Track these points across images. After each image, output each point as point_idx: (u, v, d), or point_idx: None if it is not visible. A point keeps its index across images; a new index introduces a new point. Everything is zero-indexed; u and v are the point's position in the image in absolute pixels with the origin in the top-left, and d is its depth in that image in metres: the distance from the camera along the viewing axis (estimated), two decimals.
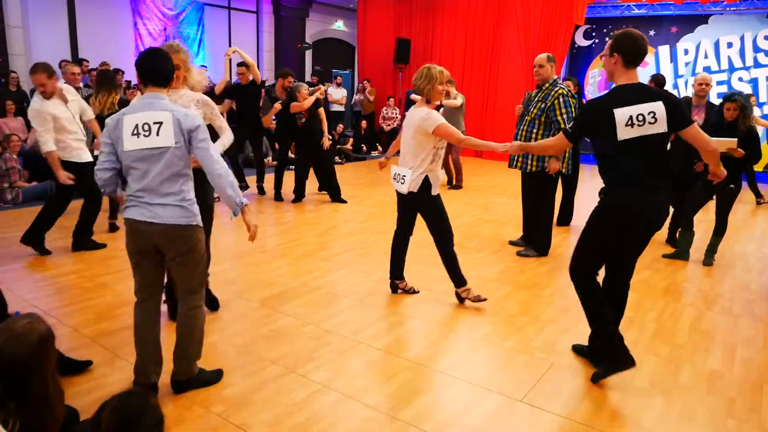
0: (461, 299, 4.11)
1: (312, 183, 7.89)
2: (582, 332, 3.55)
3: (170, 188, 2.64)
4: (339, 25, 16.46)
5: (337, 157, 11.11)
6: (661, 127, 2.78)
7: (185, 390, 2.84)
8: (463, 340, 3.56)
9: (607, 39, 13.31)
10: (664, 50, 12.33)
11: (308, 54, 15.25)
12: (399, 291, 4.30)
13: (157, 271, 2.80)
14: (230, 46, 13.79)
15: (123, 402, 1.51)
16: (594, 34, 13.10)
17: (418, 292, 4.30)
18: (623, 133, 2.76)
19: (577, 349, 3.39)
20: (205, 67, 12.28)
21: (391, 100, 13.21)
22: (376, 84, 13.92)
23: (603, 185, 3.03)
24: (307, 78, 14.20)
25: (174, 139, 2.60)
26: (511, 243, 5.75)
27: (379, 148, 13.15)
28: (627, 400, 2.90)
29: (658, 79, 6.64)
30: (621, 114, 2.74)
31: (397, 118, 13.43)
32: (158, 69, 2.70)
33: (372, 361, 3.22)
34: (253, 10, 14.37)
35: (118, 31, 11.41)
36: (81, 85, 6.13)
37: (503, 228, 6.41)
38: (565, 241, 5.95)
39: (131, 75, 10.50)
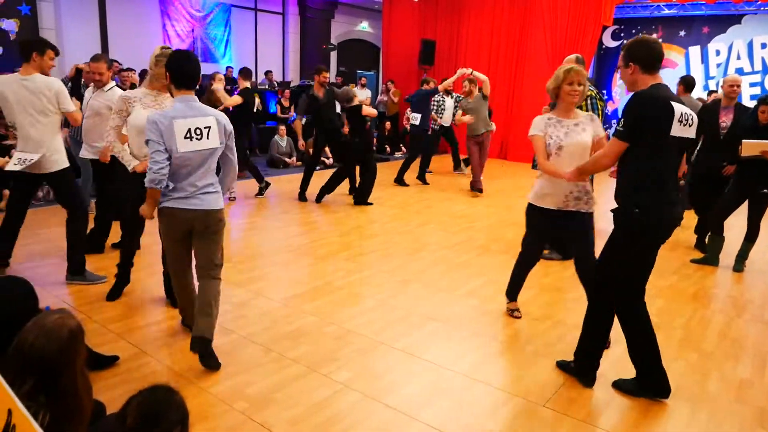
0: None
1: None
2: None
3: (209, 179, 3.06)
4: (364, 26, 16.49)
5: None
6: (693, 133, 2.73)
7: (207, 350, 3.03)
8: (486, 342, 3.54)
9: None
10: (695, 51, 12.09)
11: (333, 55, 15.32)
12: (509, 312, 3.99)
13: (188, 250, 3.23)
14: (256, 47, 13.97)
15: (149, 397, 1.52)
16: (622, 35, 12.89)
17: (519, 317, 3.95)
18: (675, 129, 2.63)
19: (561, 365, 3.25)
20: (231, 68, 12.42)
21: None
22: (400, 85, 13.91)
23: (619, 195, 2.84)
24: (332, 79, 14.26)
25: (219, 140, 3.03)
26: None
27: (403, 149, 13.13)
28: (652, 407, 2.84)
29: (688, 81, 6.51)
30: (677, 108, 2.63)
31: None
32: (193, 74, 2.98)
33: (393, 362, 3.22)
34: (279, 12, 14.49)
35: (147, 33, 11.60)
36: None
37: None
38: None
39: None
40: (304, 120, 8.07)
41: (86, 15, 10.67)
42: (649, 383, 2.90)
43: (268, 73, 13.52)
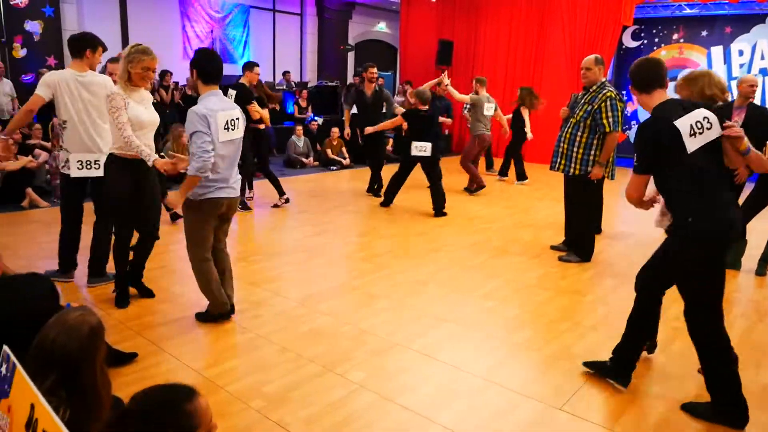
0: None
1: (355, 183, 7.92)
2: None
3: (235, 167, 3.45)
4: (381, 26, 16.52)
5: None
6: (716, 131, 2.66)
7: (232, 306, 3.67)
8: (502, 344, 3.52)
9: (656, 40, 12.92)
10: (717, 51, 11.89)
11: (350, 55, 15.37)
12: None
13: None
14: (274, 47, 14.04)
15: (159, 392, 1.46)
16: (643, 35, 12.74)
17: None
18: (691, 145, 2.58)
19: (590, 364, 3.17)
20: None
21: None
22: (417, 86, 13.84)
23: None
24: (350, 79, 14.30)
25: (242, 130, 3.43)
26: (553, 248, 5.65)
27: None
28: (671, 413, 2.80)
29: None
30: (682, 124, 2.59)
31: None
32: (219, 70, 3.31)
33: (409, 363, 3.22)
34: (297, 12, 14.57)
35: (167, 34, 11.75)
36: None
37: (544, 232, 6.30)
38: (608, 248, 5.81)
39: (179, 76, 10.80)
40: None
41: (108, 16, 10.85)
42: (724, 409, 2.71)
43: (285, 73, 13.59)
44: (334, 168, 10.54)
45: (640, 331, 2.97)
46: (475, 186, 8.57)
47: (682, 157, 2.61)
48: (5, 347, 1.32)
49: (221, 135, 3.21)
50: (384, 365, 3.18)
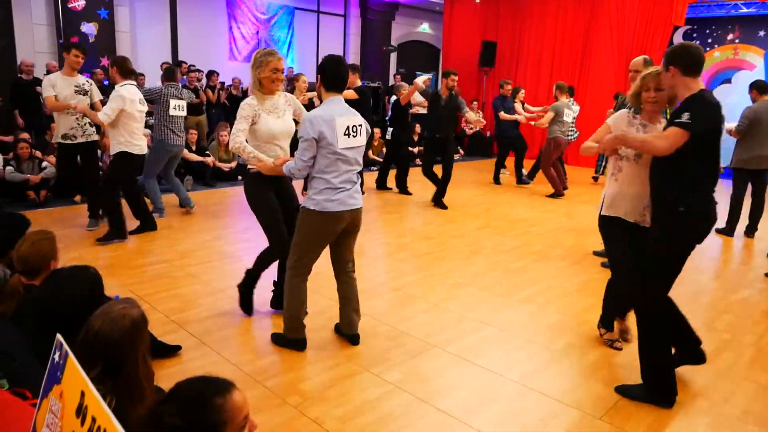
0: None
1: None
2: None
3: (357, 178, 3.23)
4: (424, 27, 16.46)
5: (417, 159, 11.13)
6: None
7: (358, 340, 3.46)
8: (541, 351, 3.46)
9: (709, 41, 12.44)
10: None
11: (393, 56, 15.38)
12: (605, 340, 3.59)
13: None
14: (318, 48, 14.18)
15: (193, 387, 1.45)
16: (695, 35, 12.31)
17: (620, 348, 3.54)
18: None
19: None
20: (291, 68, 12.67)
21: (475, 103, 13.05)
22: (460, 87, 13.56)
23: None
24: (391, 81, 14.32)
25: (365, 139, 3.21)
26: (596, 254, 5.52)
27: (461, 151, 13.02)
28: (716, 428, 2.70)
29: (760, 85, 6.20)
30: None
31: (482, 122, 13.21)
32: (345, 77, 3.17)
33: (445, 366, 3.20)
34: (340, 14, 14.68)
35: (214, 35, 12.01)
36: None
37: (587, 238, 6.16)
38: None
39: (225, 76, 11.04)
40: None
41: (158, 18, 11.16)
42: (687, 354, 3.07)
43: None
44: (374, 168, 10.57)
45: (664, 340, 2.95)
46: (553, 192, 8.48)
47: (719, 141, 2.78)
48: (58, 335, 1.37)
49: (341, 141, 3.05)
50: (421, 367, 3.17)
